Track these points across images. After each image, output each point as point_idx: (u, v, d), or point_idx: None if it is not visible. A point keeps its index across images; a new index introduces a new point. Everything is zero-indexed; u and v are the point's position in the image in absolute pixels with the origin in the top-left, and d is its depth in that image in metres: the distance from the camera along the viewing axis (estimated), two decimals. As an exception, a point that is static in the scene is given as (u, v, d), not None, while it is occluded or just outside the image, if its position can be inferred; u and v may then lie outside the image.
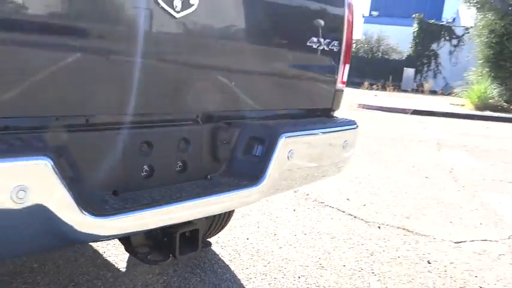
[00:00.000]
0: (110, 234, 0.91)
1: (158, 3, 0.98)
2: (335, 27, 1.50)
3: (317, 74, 1.54)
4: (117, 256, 2.14)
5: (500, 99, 13.56)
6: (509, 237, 2.80)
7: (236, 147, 1.24)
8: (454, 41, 29.37)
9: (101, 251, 2.17)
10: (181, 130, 1.13)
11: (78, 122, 0.94)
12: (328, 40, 1.46)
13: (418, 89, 24.29)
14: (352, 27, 1.55)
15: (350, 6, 1.53)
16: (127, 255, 2.14)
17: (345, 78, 1.63)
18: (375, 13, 43.74)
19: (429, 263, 2.33)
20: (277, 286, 1.97)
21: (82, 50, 0.89)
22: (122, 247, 2.15)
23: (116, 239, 1.93)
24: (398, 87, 24.89)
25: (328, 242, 2.50)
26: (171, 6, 1.00)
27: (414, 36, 30.18)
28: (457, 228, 2.89)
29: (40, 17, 0.84)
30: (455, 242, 2.65)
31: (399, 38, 31.70)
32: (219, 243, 2.34)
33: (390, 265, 2.27)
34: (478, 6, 13.58)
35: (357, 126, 1.60)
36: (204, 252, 2.22)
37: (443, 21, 33.76)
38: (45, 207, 0.77)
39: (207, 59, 1.18)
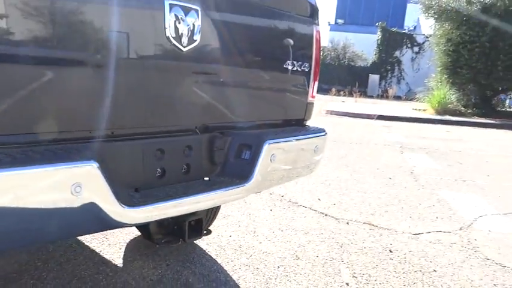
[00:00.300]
0: (137, 222, 1.16)
1: (170, 41, 1.24)
2: (306, 53, 1.80)
3: (292, 91, 1.83)
4: (113, 254, 2.35)
5: (458, 104, 14.39)
6: (460, 229, 3.17)
7: (229, 153, 1.50)
8: (416, 49, 30.66)
9: (97, 250, 2.38)
10: (185, 139, 1.39)
11: (112, 134, 1.19)
12: (300, 63, 1.76)
13: (383, 95, 25.19)
14: (319, 52, 1.86)
15: (318, 34, 1.83)
16: (122, 253, 2.36)
17: (315, 93, 1.92)
18: (340, 21, 44.98)
19: (391, 251, 2.66)
20: (260, 275, 2.24)
21: (116, 83, 1.14)
22: (117, 246, 2.38)
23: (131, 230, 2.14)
24: (364, 93, 25.77)
25: (303, 237, 2.79)
26: (180, 42, 1.26)
27: (378, 44, 31.27)
28: (416, 222, 3.25)
29: (96, 61, 1.10)
30: (414, 234, 3.00)
31: (364, 46, 32.79)
32: (205, 240, 2.58)
33: (357, 255, 2.58)
34: (436, 16, 14.39)
35: (326, 133, 1.90)
36: (192, 248, 2.46)
37: (405, 30, 35.16)
38: (93, 200, 1.01)
39: (204, 81, 1.44)
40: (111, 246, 2.43)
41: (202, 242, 2.56)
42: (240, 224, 2.94)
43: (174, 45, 1.25)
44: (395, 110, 14.18)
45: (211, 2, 1.36)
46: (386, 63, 30.74)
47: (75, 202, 0.98)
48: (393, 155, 6.10)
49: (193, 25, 1.28)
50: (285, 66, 1.71)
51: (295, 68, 1.75)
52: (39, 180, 0.94)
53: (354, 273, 2.34)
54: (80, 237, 2.48)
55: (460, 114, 13.52)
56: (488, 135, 9.81)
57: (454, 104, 14.26)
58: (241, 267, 2.31)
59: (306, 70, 1.82)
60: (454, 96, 14.44)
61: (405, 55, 30.66)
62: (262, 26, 1.63)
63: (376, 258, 2.54)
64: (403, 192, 4.12)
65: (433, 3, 14.08)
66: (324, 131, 1.90)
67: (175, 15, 1.24)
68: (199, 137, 1.44)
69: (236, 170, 1.48)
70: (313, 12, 1.85)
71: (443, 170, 5.30)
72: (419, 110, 14.46)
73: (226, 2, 1.43)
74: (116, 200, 1.05)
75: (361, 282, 2.24)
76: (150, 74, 1.26)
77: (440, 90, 14.17)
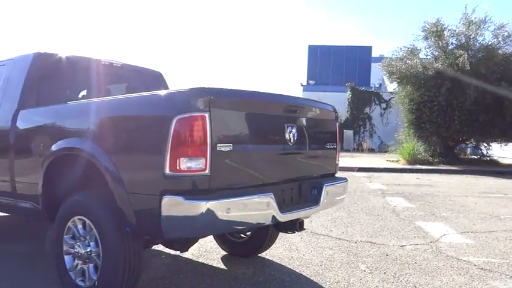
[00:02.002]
0: (286, 220, 2.66)
1: (286, 140, 2.80)
2: (334, 138, 3.41)
3: (330, 158, 3.39)
4: (214, 261, 3.74)
5: (426, 154, 16.38)
6: (431, 242, 4.69)
7: (307, 190, 3.02)
8: (383, 105, 33.33)
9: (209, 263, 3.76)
10: (291, 184, 2.90)
11: (273, 182, 2.71)
12: (332, 143, 3.35)
13: (358, 148, 27.25)
14: (338, 136, 3.47)
15: (339, 127, 3.46)
16: (220, 262, 3.74)
17: (339, 159, 3.51)
18: (311, 82, 48.11)
19: (387, 255, 4.14)
20: (311, 270, 3.66)
21: (278, 159, 2.69)
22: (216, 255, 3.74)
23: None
24: (341, 147, 27.81)
25: (329, 251, 4.24)
26: (289, 140, 2.83)
27: (349, 102, 33.79)
28: (400, 240, 4.75)
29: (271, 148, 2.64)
30: (400, 246, 4.50)
31: (336, 104, 35.24)
32: (268, 254, 4.00)
33: (366, 257, 4.04)
34: (398, 80, 16.74)
35: (347, 180, 3.45)
36: (268, 258, 3.88)
37: (371, 88, 38.27)
38: (271, 210, 2.50)
39: (298, 157, 3.00)
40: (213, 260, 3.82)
41: (270, 255, 3.98)
42: (286, 247, 4.36)
43: (288, 141, 2.81)
44: (372, 162, 15.96)
45: (301, 122, 2.96)
46: (358, 119, 33.08)
47: (267, 211, 2.48)
48: (377, 199, 7.67)
49: (293, 132, 2.86)
50: (327, 146, 3.29)
51: (330, 146, 3.34)
52: (254, 202, 2.45)
53: (367, 266, 3.79)
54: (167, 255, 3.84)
55: (428, 163, 15.44)
56: (452, 180, 11.60)
57: (422, 154, 16.25)
58: (298, 268, 3.73)
59: (334, 147, 3.41)
60: (421, 147, 16.48)
61: (374, 111, 33.14)
62: (320, 127, 3.26)
63: (378, 258, 4.01)
64: (389, 223, 5.64)
65: (395, 70, 16.46)
66: (347, 179, 3.45)
67: (288, 129, 2.82)
68: (296, 183, 2.95)
69: (311, 199, 2.99)
70: (336, 116, 3.49)
71: (417, 207, 6.89)
72: (393, 161, 16.32)
73: (306, 120, 3.04)
74: (278, 210, 2.55)
75: (371, 269, 3.70)
76: (281, 155, 2.82)
77: (409, 142, 16.17)
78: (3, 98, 3.54)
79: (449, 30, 16.27)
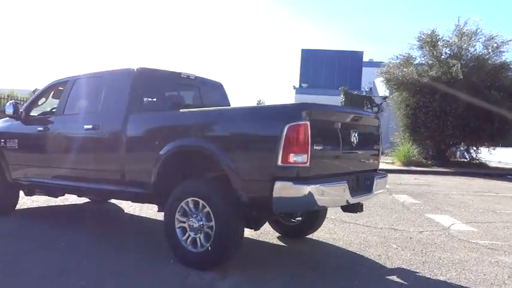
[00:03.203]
0: (354, 202, 3.53)
1: (352, 142, 3.67)
2: (378, 141, 4.31)
3: (376, 156, 4.28)
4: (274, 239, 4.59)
5: (420, 156, 17.45)
6: (443, 229, 5.62)
7: (363, 181, 3.88)
8: (375, 109, 34.46)
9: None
10: (353, 176, 3.76)
11: (346, 172, 3.60)
12: (377, 145, 4.25)
13: (352, 151, 28.20)
14: (380, 140, 4.36)
15: (381, 132, 4.35)
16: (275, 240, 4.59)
17: (380, 157, 4.40)
18: (304, 85, 49.27)
19: (411, 238, 5.04)
20: (353, 248, 4.54)
21: (347, 156, 3.56)
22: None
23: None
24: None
25: (362, 235, 5.12)
26: (353, 142, 3.70)
27: (342, 106, 34.88)
28: (418, 228, 5.67)
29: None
30: (419, 232, 5.41)
31: (329, 107, 36.51)
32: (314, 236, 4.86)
33: (394, 239, 4.93)
34: (395, 87, 17.80)
35: (387, 175, 4.34)
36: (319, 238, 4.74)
37: (362, 91, 39.44)
38: (347, 196, 3.37)
39: (358, 156, 3.88)
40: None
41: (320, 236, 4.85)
42: (326, 231, 5.23)
43: (352, 143, 3.69)
44: (369, 163, 16.92)
45: (360, 128, 3.84)
46: (350, 122, 34.09)
47: (344, 195, 3.35)
48: (385, 196, 8.59)
49: (356, 136, 3.73)
50: (374, 147, 4.18)
51: (376, 147, 4.22)
52: (337, 188, 3.32)
53: (397, 245, 4.68)
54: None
55: (422, 165, 16.51)
56: (446, 180, 12.64)
57: (417, 156, 17.32)
58: (343, 246, 4.61)
59: (378, 148, 4.30)
60: (416, 150, 17.55)
61: (366, 114, 34.25)
62: (370, 131, 4.14)
63: (404, 240, 4.91)
64: (403, 215, 6.56)
65: (392, 77, 17.51)
66: (387, 174, 4.34)
67: (353, 134, 3.70)
68: (355, 176, 3.82)
69: (366, 188, 3.86)
70: (379, 123, 4.39)
71: (423, 203, 7.84)
72: (389, 162, 17.34)
73: (363, 127, 3.91)
74: (350, 194, 3.42)
75: (402, 247, 4.59)
76: (348, 153, 3.68)
77: (404, 145, 17.23)
78: (109, 104, 4.33)
79: (443, 40, 17.40)
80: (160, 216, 5.73)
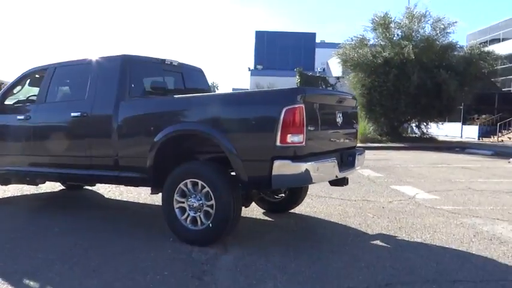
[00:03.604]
0: (342, 176, 3.87)
1: (337, 123, 3.98)
2: (356, 120, 4.66)
3: (355, 135, 4.63)
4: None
5: (375, 133, 18.36)
6: (409, 198, 6.14)
7: (346, 157, 4.21)
8: (329, 88, 35.45)
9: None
10: (338, 153, 4.08)
11: (335, 149, 3.90)
12: (356, 124, 4.60)
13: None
14: (357, 119, 4.71)
15: (357, 111, 4.70)
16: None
17: (357, 135, 4.76)
18: (259, 66, 49.58)
19: (383, 207, 5.50)
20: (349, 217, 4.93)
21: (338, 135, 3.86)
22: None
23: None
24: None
25: (340, 207, 5.52)
26: (338, 123, 4.02)
27: (297, 86, 35.54)
28: (386, 198, 6.16)
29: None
30: (389, 201, 5.90)
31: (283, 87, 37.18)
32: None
33: (370, 210, 5.37)
34: (352, 68, 18.46)
35: (365, 151, 4.71)
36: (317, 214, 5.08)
37: (316, 72, 40.32)
38: (336, 171, 3.69)
39: (341, 135, 4.18)
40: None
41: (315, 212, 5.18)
42: (305, 206, 5.58)
43: (338, 123, 4.00)
44: (329, 142, 17.62)
45: (343, 109, 4.15)
46: (306, 102, 34.91)
47: (334, 170, 3.66)
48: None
49: (340, 116, 4.04)
50: (353, 126, 4.53)
51: (355, 126, 4.57)
52: (329, 164, 3.63)
53: (373, 214, 5.11)
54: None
55: (378, 141, 17.40)
56: (402, 154, 13.48)
57: (372, 133, 18.21)
58: (325, 217, 4.97)
59: (356, 127, 4.65)
60: (371, 128, 18.43)
61: (321, 95, 35.22)
62: (350, 112, 4.45)
63: (378, 210, 5.35)
64: (370, 187, 7.06)
65: (348, 58, 18.15)
66: (364, 150, 4.72)
67: (338, 114, 4.01)
68: (339, 153, 4.14)
69: (349, 164, 4.20)
70: (356, 104, 4.73)
71: (385, 176, 8.42)
72: (347, 140, 18.12)
73: (345, 107, 4.23)
74: (338, 169, 3.74)
75: (378, 216, 5.02)
76: (334, 132, 3.99)
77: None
78: (96, 91, 4.37)
79: (395, 22, 18.18)
80: (141, 199, 5.90)
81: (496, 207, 5.60)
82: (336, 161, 3.74)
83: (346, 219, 4.89)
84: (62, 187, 6.66)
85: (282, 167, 3.38)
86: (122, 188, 6.51)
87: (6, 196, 6.09)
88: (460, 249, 3.83)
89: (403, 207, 5.52)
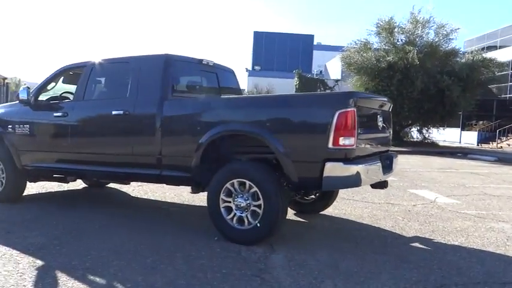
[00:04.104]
0: (385, 179, 3.96)
1: (379, 126, 4.07)
2: (390, 123, 4.77)
3: (389, 138, 4.72)
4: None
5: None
6: (431, 202, 6.26)
7: (383, 160, 4.30)
8: (328, 91, 35.64)
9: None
10: (380, 156, 4.17)
11: (376, 152, 3.99)
12: (390, 127, 4.71)
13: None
14: (391, 124, 4.82)
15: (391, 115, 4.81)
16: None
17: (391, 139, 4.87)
18: (257, 67, 49.67)
19: (409, 211, 5.61)
20: (364, 215, 5.02)
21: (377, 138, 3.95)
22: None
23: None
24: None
25: (367, 210, 5.62)
26: (379, 126, 4.10)
27: (296, 89, 35.64)
28: (409, 202, 6.27)
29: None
30: (413, 205, 6.01)
31: (284, 89, 37.37)
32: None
33: (397, 213, 5.47)
34: (355, 71, 18.63)
35: (397, 154, 4.82)
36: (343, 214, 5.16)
37: (313, 74, 40.53)
38: (380, 173, 3.78)
39: (381, 140, 4.28)
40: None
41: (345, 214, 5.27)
42: (333, 208, 5.67)
43: (378, 126, 4.09)
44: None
45: (383, 113, 4.25)
46: (305, 104, 35.03)
47: (379, 173, 3.75)
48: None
49: (381, 120, 4.14)
50: (389, 129, 4.62)
51: (389, 130, 4.67)
52: (376, 167, 3.72)
53: (402, 218, 5.21)
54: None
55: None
56: (407, 159, 13.62)
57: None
58: (357, 219, 5.06)
59: (390, 130, 4.75)
60: (374, 131, 18.57)
61: (320, 97, 35.39)
62: (387, 115, 4.53)
63: (405, 213, 5.46)
64: (389, 191, 7.14)
65: (352, 61, 18.31)
66: (397, 154, 4.82)
67: (379, 118, 4.10)
68: (379, 156, 4.24)
69: (388, 167, 4.29)
70: (391, 107, 4.83)
71: (399, 180, 8.54)
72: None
73: (384, 112, 4.31)
74: (382, 173, 3.83)
75: (407, 219, 5.12)
76: (376, 135, 4.08)
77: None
78: (138, 90, 4.41)
79: (399, 27, 18.38)
80: (168, 198, 5.94)
81: (517, 212, 5.75)
82: (381, 164, 3.84)
83: (377, 221, 4.99)
84: (84, 185, 6.68)
85: (333, 169, 3.46)
86: (146, 187, 6.57)
87: (32, 193, 6.09)
88: (498, 252, 3.94)
89: (429, 211, 5.64)
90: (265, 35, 52.65)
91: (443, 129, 19.73)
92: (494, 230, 4.72)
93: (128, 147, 4.45)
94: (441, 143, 20.57)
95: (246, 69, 50.81)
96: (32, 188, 6.28)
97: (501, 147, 21.62)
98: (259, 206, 3.76)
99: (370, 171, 3.65)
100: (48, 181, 5.94)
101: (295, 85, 36.01)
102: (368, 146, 4.00)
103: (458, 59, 18.68)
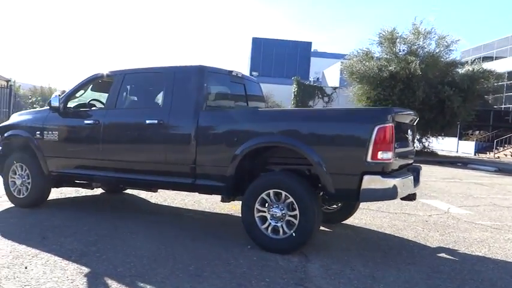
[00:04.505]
0: (415, 192, 4.09)
1: (409, 140, 4.21)
2: (415, 136, 4.91)
3: (414, 151, 4.88)
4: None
5: (379, 145, 18.71)
6: (445, 213, 6.41)
7: (413, 172, 4.43)
8: (326, 98, 35.91)
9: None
10: (407, 168, 4.30)
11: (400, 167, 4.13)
12: (414, 140, 4.84)
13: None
14: (415, 136, 4.97)
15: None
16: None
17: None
18: (255, 73, 49.87)
19: (426, 221, 5.74)
20: (386, 226, 5.14)
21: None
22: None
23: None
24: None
25: (385, 219, 5.75)
26: (409, 140, 4.24)
27: (295, 95, 35.86)
28: (424, 212, 6.41)
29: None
30: (428, 215, 6.15)
31: (282, 96, 37.60)
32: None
33: (415, 223, 5.60)
34: (358, 80, 18.85)
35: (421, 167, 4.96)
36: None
37: (310, 81, 40.77)
38: (412, 186, 3.92)
39: (405, 151, 4.42)
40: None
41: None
42: (353, 217, 5.79)
43: (408, 139, 4.23)
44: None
45: (412, 128, 4.39)
46: (303, 111, 35.25)
47: (411, 186, 3.90)
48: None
49: (410, 134, 4.28)
50: (413, 143, 4.77)
51: (413, 142, 4.82)
52: (409, 180, 3.85)
53: (422, 228, 5.34)
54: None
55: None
56: (411, 168, 13.80)
57: (376, 145, 18.55)
58: (379, 229, 5.19)
59: (415, 142, 4.90)
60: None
61: (317, 104, 35.65)
62: (412, 130, 4.68)
63: (423, 223, 5.59)
64: (400, 201, 7.29)
65: (355, 70, 18.53)
66: (421, 166, 4.96)
67: (409, 132, 4.24)
68: (407, 168, 4.36)
69: (416, 179, 4.42)
70: (416, 120, 4.98)
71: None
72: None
73: (412, 126, 4.46)
74: (413, 185, 3.97)
75: (427, 229, 5.25)
76: (406, 149, 4.21)
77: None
78: (173, 100, 4.51)
79: (401, 37, 18.66)
80: (189, 205, 6.02)
81: (531, 224, 5.92)
82: (413, 177, 3.97)
83: (398, 231, 5.11)
84: (102, 190, 6.74)
85: (371, 182, 3.59)
86: (164, 193, 6.64)
87: (52, 198, 6.15)
88: (522, 263, 4.08)
89: (445, 222, 5.78)
90: (264, 41, 52.92)
91: (443, 138, 19.99)
92: (513, 242, 4.87)
93: (161, 155, 4.54)
94: (439, 152, 20.83)
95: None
96: (51, 193, 6.34)
97: (498, 157, 21.94)
98: (294, 216, 3.87)
99: (405, 184, 3.78)
100: (71, 187, 6.00)
101: (294, 92, 36.22)
102: (400, 159, 4.13)
103: (458, 69, 18.98)
